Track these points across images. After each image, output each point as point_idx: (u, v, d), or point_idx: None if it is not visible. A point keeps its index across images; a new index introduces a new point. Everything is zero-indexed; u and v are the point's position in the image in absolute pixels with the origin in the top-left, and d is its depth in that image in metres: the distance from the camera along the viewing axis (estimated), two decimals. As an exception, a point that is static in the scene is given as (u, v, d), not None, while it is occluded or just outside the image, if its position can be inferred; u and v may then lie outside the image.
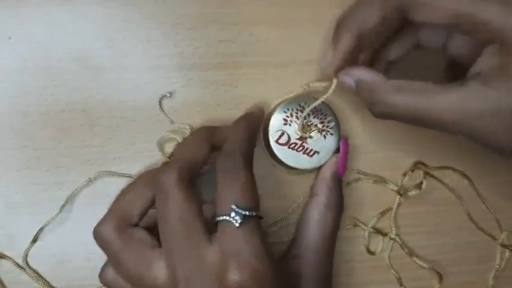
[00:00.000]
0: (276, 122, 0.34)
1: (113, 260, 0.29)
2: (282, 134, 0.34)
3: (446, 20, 0.28)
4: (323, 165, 0.35)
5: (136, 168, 0.35)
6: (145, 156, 0.35)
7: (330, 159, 0.35)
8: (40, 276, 0.34)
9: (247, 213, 0.27)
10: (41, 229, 0.34)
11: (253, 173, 0.29)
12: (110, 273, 0.30)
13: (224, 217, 0.27)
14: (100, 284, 0.30)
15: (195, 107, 0.35)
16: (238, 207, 0.27)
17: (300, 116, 0.34)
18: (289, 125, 0.34)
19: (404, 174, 0.37)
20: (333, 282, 0.34)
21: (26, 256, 0.34)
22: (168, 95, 0.35)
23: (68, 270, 0.34)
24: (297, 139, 0.34)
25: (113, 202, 0.31)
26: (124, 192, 0.31)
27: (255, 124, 0.33)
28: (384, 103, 0.30)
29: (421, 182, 0.36)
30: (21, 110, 0.34)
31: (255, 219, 0.28)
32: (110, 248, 0.29)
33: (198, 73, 0.35)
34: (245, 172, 0.29)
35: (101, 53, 0.35)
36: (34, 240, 0.34)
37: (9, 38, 0.34)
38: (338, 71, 0.33)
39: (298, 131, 0.34)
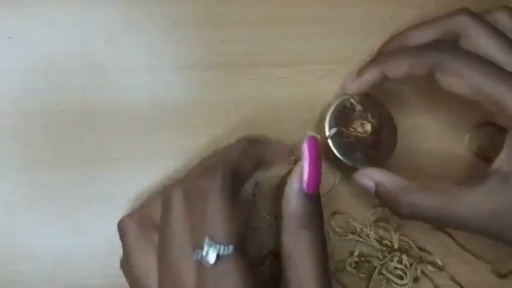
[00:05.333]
0: (330, 122, 0.33)
1: (123, 252, 0.29)
2: (340, 133, 0.33)
3: (469, 94, 0.29)
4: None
5: (136, 168, 0.35)
6: (145, 156, 0.35)
7: (294, 169, 0.29)
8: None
9: (222, 248, 0.24)
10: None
11: (235, 197, 0.26)
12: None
13: (197, 252, 0.24)
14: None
15: (195, 107, 0.35)
16: (212, 240, 0.24)
17: (359, 115, 0.34)
18: (345, 123, 0.34)
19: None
20: None
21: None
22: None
23: (68, 270, 0.34)
24: (355, 138, 0.34)
25: (148, 198, 0.30)
26: (158, 192, 0.30)
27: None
28: (411, 204, 0.30)
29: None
30: (21, 110, 0.34)
31: (234, 255, 0.24)
32: (124, 239, 0.29)
33: (198, 73, 0.35)
34: (220, 195, 0.26)
35: (101, 52, 0.35)
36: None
37: (9, 37, 0.34)
38: (356, 91, 0.34)
39: (358, 128, 0.34)
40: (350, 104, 0.34)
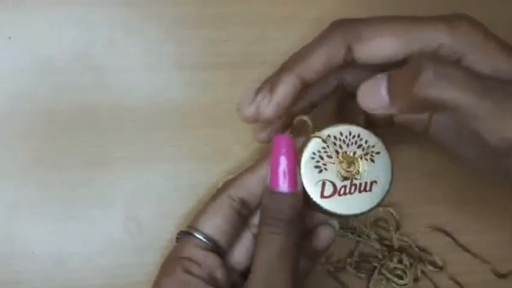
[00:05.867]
0: (308, 177, 0.28)
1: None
2: (324, 185, 0.28)
3: (392, 51, 0.26)
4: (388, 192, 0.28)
5: (136, 168, 0.35)
6: (145, 156, 0.35)
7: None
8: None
9: (184, 229, 0.29)
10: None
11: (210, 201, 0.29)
12: None
13: None
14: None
15: (195, 107, 0.35)
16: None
17: (335, 154, 0.28)
18: (325, 169, 0.28)
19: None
20: None
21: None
22: None
23: (68, 270, 0.34)
24: (343, 181, 0.28)
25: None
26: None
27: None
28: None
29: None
30: (21, 110, 0.34)
31: (189, 235, 0.28)
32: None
33: (197, 73, 0.35)
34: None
35: (101, 52, 0.35)
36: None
37: (9, 37, 0.34)
38: (275, 118, 0.28)
39: (341, 170, 0.28)
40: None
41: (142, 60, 0.35)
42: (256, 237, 0.28)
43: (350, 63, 0.28)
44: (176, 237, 0.30)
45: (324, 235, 0.30)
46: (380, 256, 0.37)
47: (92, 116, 0.34)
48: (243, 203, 0.29)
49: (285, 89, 0.28)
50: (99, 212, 0.34)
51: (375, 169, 0.28)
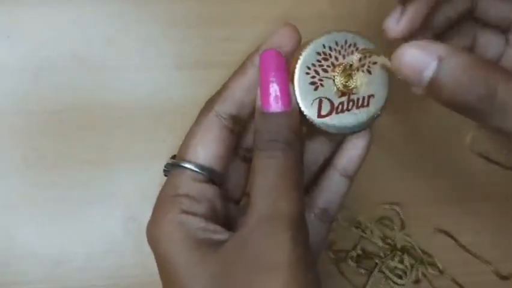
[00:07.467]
0: (303, 95, 0.25)
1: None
2: (321, 103, 0.25)
3: None
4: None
5: (135, 168, 0.35)
6: (145, 156, 0.35)
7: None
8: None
9: (170, 161, 0.25)
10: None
11: (195, 125, 0.26)
12: None
13: None
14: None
15: (195, 106, 0.35)
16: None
17: (330, 67, 0.25)
18: (321, 85, 0.25)
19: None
20: None
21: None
22: None
23: (68, 271, 0.34)
24: (340, 97, 0.25)
25: None
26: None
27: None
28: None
29: None
30: (21, 109, 0.34)
31: (180, 168, 0.25)
32: None
33: (198, 72, 0.35)
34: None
35: (100, 52, 0.34)
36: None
37: (8, 36, 0.34)
38: (407, 35, 0.25)
39: (339, 85, 0.25)
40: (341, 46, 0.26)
41: (141, 60, 0.35)
42: (246, 160, 0.26)
43: None
44: (164, 171, 0.27)
45: (356, 143, 0.27)
46: (382, 254, 0.36)
47: (92, 116, 0.34)
48: (234, 118, 0.26)
49: (418, 4, 0.24)
50: (99, 212, 0.34)
51: (373, 81, 0.26)
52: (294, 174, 0.24)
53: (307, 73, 0.25)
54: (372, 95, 0.26)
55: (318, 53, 0.25)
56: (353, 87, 0.25)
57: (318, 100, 0.25)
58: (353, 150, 0.27)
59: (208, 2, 0.35)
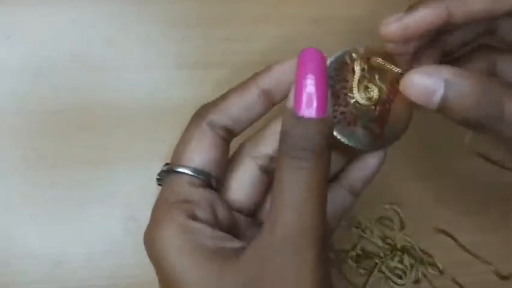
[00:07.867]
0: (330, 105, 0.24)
1: None
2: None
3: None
4: None
5: (135, 168, 0.35)
6: (145, 156, 0.35)
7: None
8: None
9: (164, 168, 0.25)
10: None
11: (186, 133, 0.26)
12: None
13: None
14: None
15: (195, 106, 0.35)
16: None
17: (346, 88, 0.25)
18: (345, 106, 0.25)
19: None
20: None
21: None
22: None
23: (68, 271, 0.34)
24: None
25: None
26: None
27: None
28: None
29: None
30: (21, 109, 0.34)
31: (175, 174, 0.24)
32: None
33: (197, 72, 0.35)
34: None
35: (100, 52, 0.34)
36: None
37: (8, 36, 0.34)
38: (398, 39, 0.24)
39: (361, 101, 0.25)
40: (351, 59, 0.25)
41: (141, 60, 0.35)
42: (263, 170, 0.25)
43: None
44: (157, 180, 0.26)
45: (369, 162, 0.26)
46: (382, 254, 0.37)
47: (92, 116, 0.34)
48: (227, 131, 0.25)
49: (422, 16, 0.23)
50: (99, 212, 0.34)
51: (391, 113, 0.25)
52: (322, 190, 0.22)
53: (331, 77, 0.25)
54: (390, 121, 0.25)
55: (331, 77, 0.25)
56: (375, 97, 0.25)
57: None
58: (364, 170, 0.27)
59: (208, 2, 0.35)
